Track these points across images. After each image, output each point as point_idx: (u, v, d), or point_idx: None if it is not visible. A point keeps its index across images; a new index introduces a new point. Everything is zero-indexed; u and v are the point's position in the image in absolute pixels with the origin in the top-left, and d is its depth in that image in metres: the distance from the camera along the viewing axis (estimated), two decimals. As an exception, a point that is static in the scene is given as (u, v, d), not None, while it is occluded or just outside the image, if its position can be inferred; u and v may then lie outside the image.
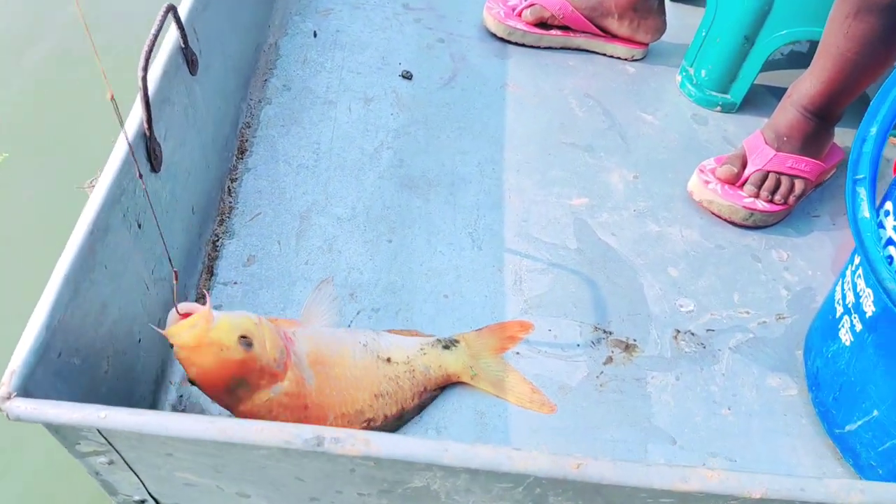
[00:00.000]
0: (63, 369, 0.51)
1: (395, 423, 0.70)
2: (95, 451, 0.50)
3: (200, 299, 0.64)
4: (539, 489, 0.48)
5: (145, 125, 0.62)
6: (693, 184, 0.97)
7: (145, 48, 0.59)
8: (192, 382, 0.58)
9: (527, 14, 1.17)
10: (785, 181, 0.94)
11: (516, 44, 1.19)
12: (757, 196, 0.93)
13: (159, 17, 0.62)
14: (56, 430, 0.48)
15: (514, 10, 1.18)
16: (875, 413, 0.68)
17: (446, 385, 0.74)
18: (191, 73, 0.76)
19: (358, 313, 0.79)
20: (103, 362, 0.57)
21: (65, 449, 0.50)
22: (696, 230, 0.94)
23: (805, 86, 0.92)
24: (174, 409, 0.69)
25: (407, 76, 1.09)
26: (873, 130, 0.65)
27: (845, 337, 0.71)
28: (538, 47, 1.19)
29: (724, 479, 0.47)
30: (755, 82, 1.09)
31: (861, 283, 0.69)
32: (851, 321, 0.70)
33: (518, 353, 0.78)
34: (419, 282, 0.83)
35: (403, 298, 0.81)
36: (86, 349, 0.54)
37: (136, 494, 0.56)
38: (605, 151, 1.03)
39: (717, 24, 1.08)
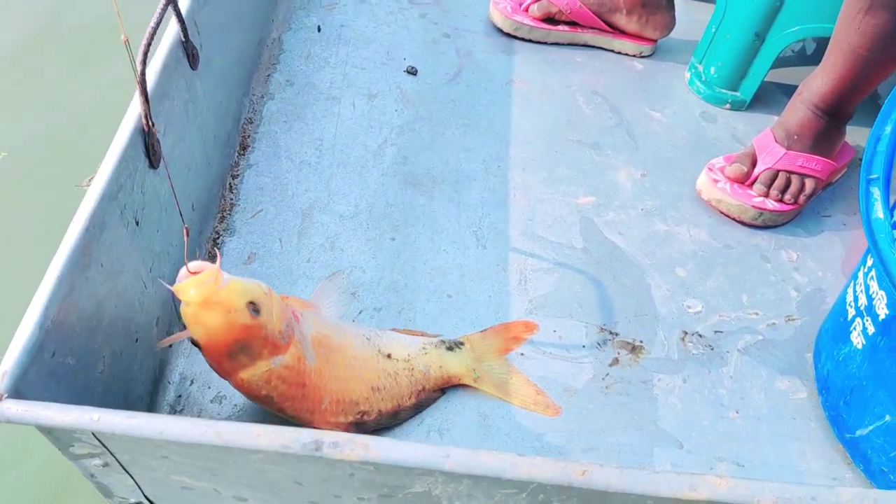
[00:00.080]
0: (57, 370, 0.50)
1: (390, 420, 0.69)
2: (90, 453, 0.49)
3: (212, 253, 0.63)
4: (543, 495, 0.47)
5: (144, 120, 0.61)
6: (702, 182, 0.95)
7: (144, 41, 0.58)
8: (195, 344, 0.57)
9: (534, 9, 1.15)
10: (795, 180, 0.92)
11: (523, 39, 1.17)
12: (767, 195, 0.92)
13: (159, 10, 0.61)
14: (49, 431, 0.47)
15: (521, 5, 1.17)
16: (887, 418, 0.67)
17: (447, 386, 0.73)
18: (191, 67, 0.74)
19: (360, 312, 0.78)
20: (99, 362, 0.56)
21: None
22: (705, 230, 0.92)
23: (816, 83, 0.90)
24: (172, 409, 0.69)
25: (412, 72, 1.08)
26: (888, 129, 0.64)
27: (857, 340, 0.70)
28: (545, 43, 1.17)
29: (733, 486, 0.45)
30: (765, 80, 1.08)
31: (874, 286, 0.67)
32: (864, 324, 0.69)
33: (522, 354, 0.77)
34: (422, 281, 0.82)
35: (406, 298, 0.80)
36: (81, 349, 0.53)
37: (131, 497, 0.55)
38: (612, 149, 1.02)
39: (727, 20, 1.06)
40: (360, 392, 0.67)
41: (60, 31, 1.23)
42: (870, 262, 0.70)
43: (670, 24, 1.17)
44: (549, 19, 1.16)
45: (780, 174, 0.92)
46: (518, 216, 0.90)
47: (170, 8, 0.65)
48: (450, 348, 0.73)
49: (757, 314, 0.84)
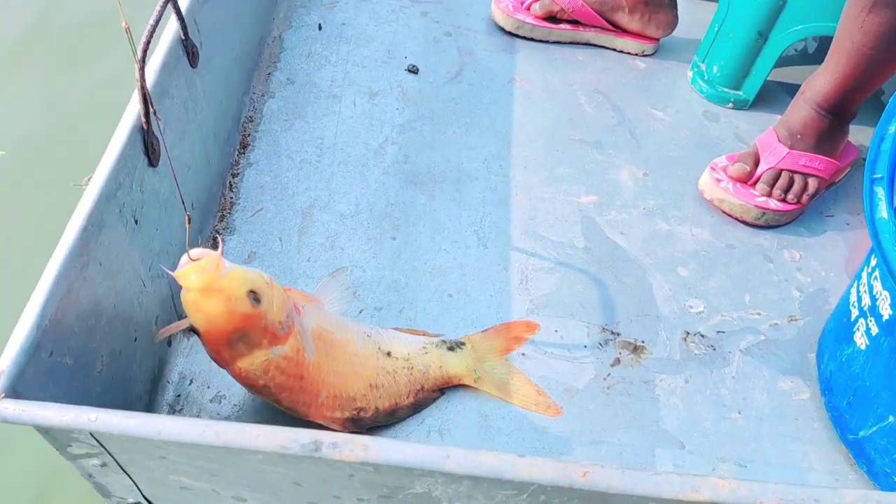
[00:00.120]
0: (55, 369, 0.49)
1: (387, 419, 0.69)
2: (88, 453, 0.49)
3: (213, 246, 0.63)
4: (544, 496, 0.47)
5: (143, 118, 0.61)
6: (704, 182, 0.95)
7: (143, 39, 0.57)
8: (194, 331, 0.57)
9: (536, 8, 1.15)
10: (798, 180, 0.92)
11: (525, 38, 1.17)
12: (769, 195, 0.91)
13: (158, 8, 0.60)
14: (46, 431, 0.47)
15: (522, 3, 1.17)
16: (890, 419, 0.66)
17: (447, 386, 0.72)
18: (191, 65, 0.74)
19: (360, 312, 0.78)
20: (97, 362, 0.55)
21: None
22: (707, 229, 0.92)
23: (819, 82, 0.90)
24: (171, 408, 0.68)
25: (413, 70, 1.08)
26: (892, 129, 0.63)
27: (860, 340, 0.69)
28: (547, 42, 1.17)
29: (735, 488, 0.45)
30: (768, 79, 1.07)
31: (878, 286, 0.67)
32: (867, 324, 0.68)
33: (524, 354, 0.76)
34: (423, 280, 0.81)
35: (407, 297, 0.80)
36: (79, 348, 0.52)
37: (129, 497, 0.55)
38: (614, 148, 1.01)
39: (729, 19, 1.06)
40: (357, 388, 0.67)
41: (51, 30, 1.22)
42: (873, 262, 0.69)
43: (673, 22, 1.16)
44: (551, 18, 1.16)
45: (783, 174, 0.92)
46: (519, 215, 0.90)
47: (169, 5, 0.64)
48: (451, 348, 0.73)
49: (759, 314, 0.83)
